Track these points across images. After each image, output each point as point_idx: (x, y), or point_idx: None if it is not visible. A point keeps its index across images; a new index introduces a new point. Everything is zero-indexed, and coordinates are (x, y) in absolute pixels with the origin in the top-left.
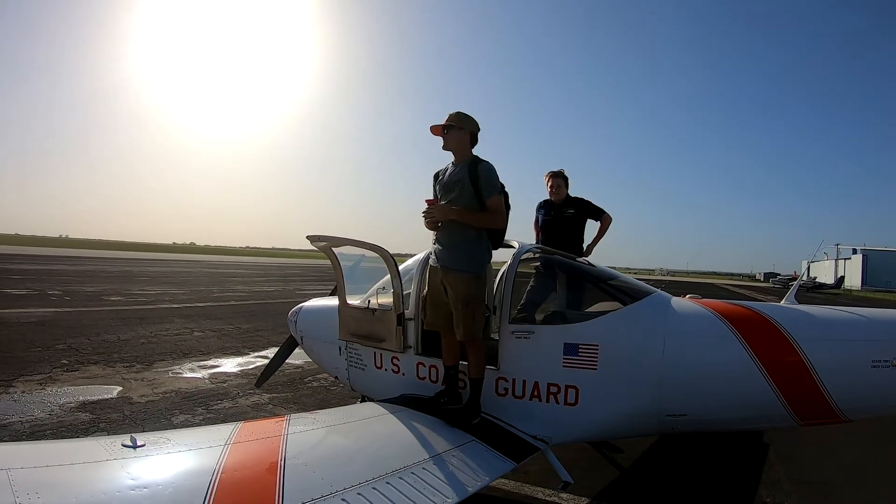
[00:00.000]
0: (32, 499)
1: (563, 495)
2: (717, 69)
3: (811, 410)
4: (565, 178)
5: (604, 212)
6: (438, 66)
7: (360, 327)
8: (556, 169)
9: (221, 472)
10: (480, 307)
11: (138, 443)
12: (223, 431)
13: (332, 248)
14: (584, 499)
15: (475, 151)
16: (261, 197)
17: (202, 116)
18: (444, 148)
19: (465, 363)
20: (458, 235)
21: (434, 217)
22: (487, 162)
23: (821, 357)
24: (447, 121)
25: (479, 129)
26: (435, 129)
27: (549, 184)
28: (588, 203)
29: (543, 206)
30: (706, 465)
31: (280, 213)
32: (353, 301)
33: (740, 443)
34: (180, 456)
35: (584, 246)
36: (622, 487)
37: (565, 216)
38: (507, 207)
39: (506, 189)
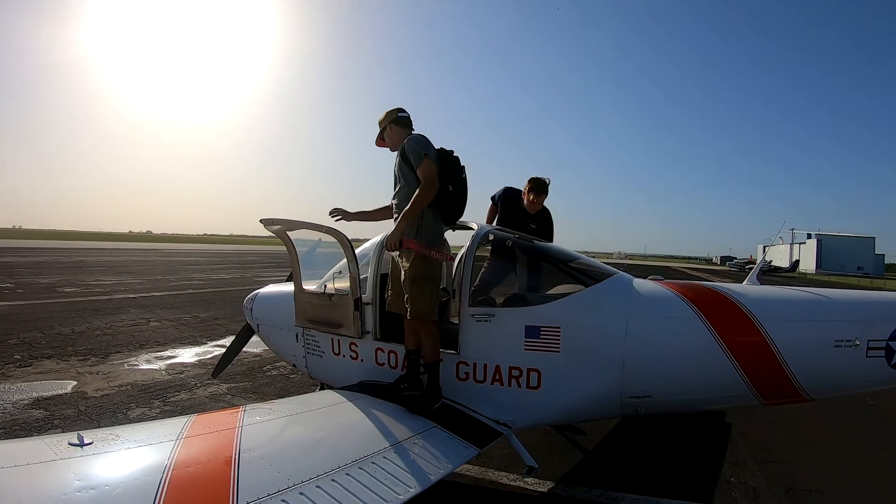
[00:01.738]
0: None
1: (528, 480)
2: (712, 68)
3: (774, 390)
4: (546, 192)
5: (552, 236)
6: (406, 58)
7: (316, 313)
8: (542, 177)
9: (173, 469)
10: (429, 286)
11: (86, 441)
12: (175, 426)
13: (287, 232)
14: (548, 482)
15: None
16: (222, 185)
17: (161, 103)
18: (392, 150)
19: None
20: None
21: (392, 242)
22: (414, 134)
23: (784, 338)
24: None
25: (398, 112)
26: (378, 144)
27: (531, 197)
28: (551, 221)
29: (510, 208)
30: (670, 445)
31: (241, 202)
32: (310, 286)
33: (703, 423)
34: (130, 453)
35: None
36: (586, 470)
37: (528, 230)
38: (456, 171)
39: (455, 155)
